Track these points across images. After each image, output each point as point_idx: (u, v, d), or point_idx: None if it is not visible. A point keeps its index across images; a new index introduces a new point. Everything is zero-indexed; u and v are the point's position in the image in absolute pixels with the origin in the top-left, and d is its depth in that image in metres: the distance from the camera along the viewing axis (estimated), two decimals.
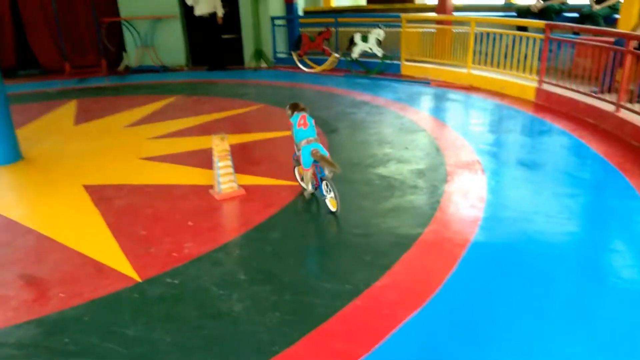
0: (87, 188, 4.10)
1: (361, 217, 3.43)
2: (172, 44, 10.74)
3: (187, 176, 4.31)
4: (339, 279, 2.69)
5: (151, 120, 6.42)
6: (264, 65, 10.65)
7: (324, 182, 3.52)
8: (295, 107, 3.71)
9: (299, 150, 3.56)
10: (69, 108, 7.32)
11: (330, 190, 3.46)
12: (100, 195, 3.94)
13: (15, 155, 4.86)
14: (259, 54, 10.59)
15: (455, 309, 2.43)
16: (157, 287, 2.68)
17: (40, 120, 6.61)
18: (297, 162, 3.75)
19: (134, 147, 5.28)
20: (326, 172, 3.49)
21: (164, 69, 10.55)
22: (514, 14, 8.73)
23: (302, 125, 3.56)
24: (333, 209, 3.45)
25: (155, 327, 2.34)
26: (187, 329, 2.32)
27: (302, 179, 3.85)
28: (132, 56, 10.75)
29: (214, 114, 6.64)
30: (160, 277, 2.77)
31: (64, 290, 2.69)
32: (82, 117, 6.77)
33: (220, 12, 9.86)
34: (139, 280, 2.75)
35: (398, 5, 11.22)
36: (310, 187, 3.68)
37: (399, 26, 8.95)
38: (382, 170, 4.29)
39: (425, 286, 2.61)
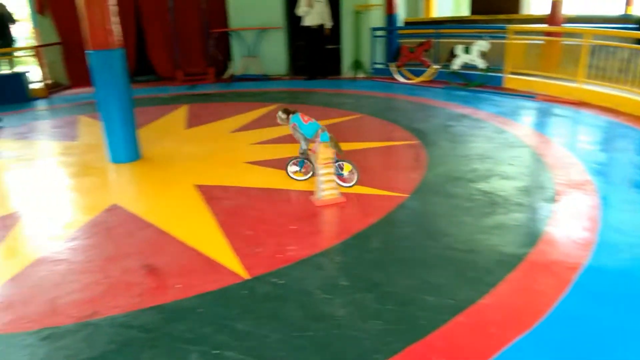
0: (198, 188, 4.40)
1: (464, 233, 3.37)
2: (274, 54, 11.20)
3: (289, 181, 4.48)
4: (442, 293, 2.66)
5: (254, 126, 6.74)
6: (361, 75, 10.77)
7: (338, 163, 4.15)
8: (288, 111, 4.37)
9: (316, 137, 4.05)
10: (181, 113, 7.88)
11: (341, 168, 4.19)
12: (210, 195, 4.21)
13: (136, 154, 5.33)
14: (357, 65, 10.73)
15: (566, 334, 2.32)
16: (264, 286, 2.81)
17: (155, 123, 7.19)
18: (303, 154, 4.38)
19: (239, 151, 5.58)
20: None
21: (266, 78, 11.02)
22: (634, 25, 8.10)
23: (307, 120, 4.17)
24: (349, 184, 4.18)
25: (263, 324, 2.47)
26: (293, 329, 2.42)
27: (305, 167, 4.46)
28: (238, 65, 11.35)
29: None
30: (266, 277, 2.91)
31: (181, 282, 2.91)
32: (193, 121, 7.27)
33: (328, 24, 10.18)
34: (247, 277, 2.91)
35: (502, 16, 10.84)
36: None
37: (503, 37, 8.65)
38: (484, 186, 4.18)
39: (533, 308, 2.51)
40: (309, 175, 4.41)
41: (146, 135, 6.23)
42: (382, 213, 3.73)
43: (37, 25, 11.31)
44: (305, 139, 4.22)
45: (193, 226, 3.67)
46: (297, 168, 4.46)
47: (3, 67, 10.49)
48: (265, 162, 5.08)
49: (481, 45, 8.49)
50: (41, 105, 9.37)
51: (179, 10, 11.20)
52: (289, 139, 5.91)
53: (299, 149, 4.39)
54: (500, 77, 8.80)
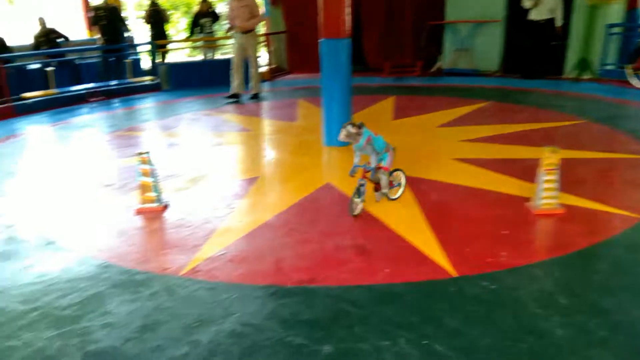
0: (406, 179, 4.47)
1: None
2: (488, 48, 10.70)
3: (500, 183, 4.26)
4: None
5: (462, 122, 6.56)
6: (586, 76, 9.65)
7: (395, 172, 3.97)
8: (356, 125, 3.66)
9: (387, 152, 3.74)
10: (388, 103, 8.08)
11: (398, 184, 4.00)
12: (418, 188, 4.25)
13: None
14: (583, 64, 9.63)
15: None
16: (473, 287, 2.74)
17: (364, 112, 7.50)
18: (374, 171, 3.77)
19: (446, 147, 5.50)
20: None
21: (476, 73, 10.62)
22: None
23: (375, 134, 3.73)
24: (393, 197, 3.97)
25: (473, 325, 2.41)
26: (506, 337, 2.31)
27: (377, 187, 3.88)
28: (448, 58, 11.15)
29: (527, 124, 6.36)
30: (475, 278, 2.83)
31: (389, 267, 3.01)
32: (399, 113, 7.39)
33: (560, 20, 9.31)
34: (455, 275, 2.87)
35: None
36: (387, 187, 3.89)
37: None
38: None
39: None
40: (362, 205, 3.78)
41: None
42: (611, 232, 3.32)
43: (269, 15, 12.65)
44: (377, 155, 3.69)
45: (401, 215, 3.75)
46: (358, 199, 3.74)
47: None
48: (475, 160, 4.91)
49: None
50: (265, 87, 10.52)
51: (397, 1, 11.45)
52: (500, 139, 5.64)
53: (352, 172, 3.74)
54: None
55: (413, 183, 4.34)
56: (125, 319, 2.63)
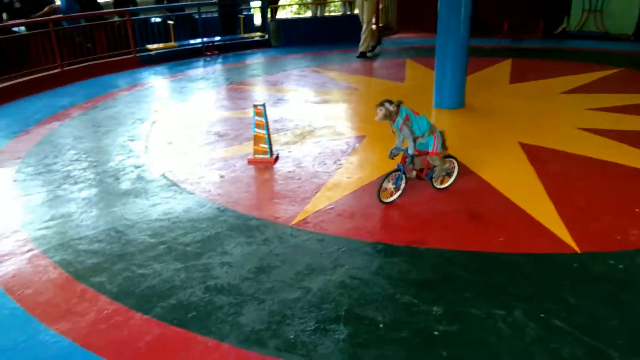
0: (523, 146, 4.21)
1: None
2: (622, 10, 9.57)
3: (631, 157, 3.87)
4: None
5: (589, 90, 6.00)
6: None
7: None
8: (395, 104, 3.16)
9: (430, 134, 3.23)
10: (504, 66, 7.58)
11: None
12: (536, 156, 3.98)
13: (460, 102, 5.41)
14: None
15: None
16: (599, 265, 2.55)
17: (478, 74, 7.10)
18: (412, 158, 3.28)
19: (570, 115, 5.08)
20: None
21: (606, 36, 9.58)
22: None
23: (416, 114, 3.24)
24: (440, 186, 3.49)
25: (598, 304, 2.25)
26: (637, 321, 2.14)
27: (420, 174, 3.42)
28: (575, 20, 10.15)
29: None
30: (601, 256, 2.63)
31: (503, 235, 2.88)
32: (517, 76, 6.91)
33: None
34: (578, 251, 2.68)
35: None
36: (445, 165, 3.41)
37: None
38: None
39: None
40: (399, 193, 3.37)
41: (469, 85, 6.21)
42: None
43: None
44: (415, 139, 3.21)
45: (517, 183, 3.55)
46: (390, 186, 3.33)
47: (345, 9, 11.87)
48: (603, 131, 4.48)
49: None
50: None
51: None
52: (635, 110, 5.08)
53: (391, 155, 3.33)
54: None
55: (531, 151, 4.08)
56: (241, 260, 2.78)
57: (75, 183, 3.92)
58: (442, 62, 5.32)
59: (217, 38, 9.94)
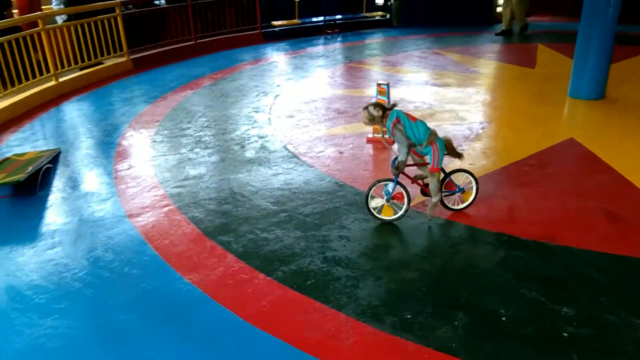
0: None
1: None
2: None
3: None
4: None
5: None
6: None
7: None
8: (382, 107, 2.73)
9: (429, 144, 2.71)
10: None
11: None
12: None
13: (600, 93, 4.93)
14: None
15: None
16: None
17: (621, 63, 6.41)
18: (398, 169, 2.79)
19: None
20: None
21: None
22: None
23: (413, 119, 2.74)
24: (455, 207, 2.95)
25: None
26: None
27: (426, 191, 2.93)
28: None
29: None
30: None
31: None
32: None
33: None
34: None
35: None
36: (439, 195, 2.85)
37: None
38: None
39: None
40: (404, 210, 2.86)
41: (612, 75, 5.66)
42: None
43: None
44: (409, 146, 2.71)
45: None
46: (380, 201, 2.88)
47: None
48: None
49: None
50: (500, 28, 9.71)
51: None
52: None
53: (394, 164, 2.83)
54: None
55: None
56: (359, 236, 2.81)
57: (206, 148, 4.20)
58: (585, 48, 4.86)
59: (339, 16, 9.99)
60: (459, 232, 2.80)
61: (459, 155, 2.97)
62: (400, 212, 2.87)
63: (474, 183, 2.97)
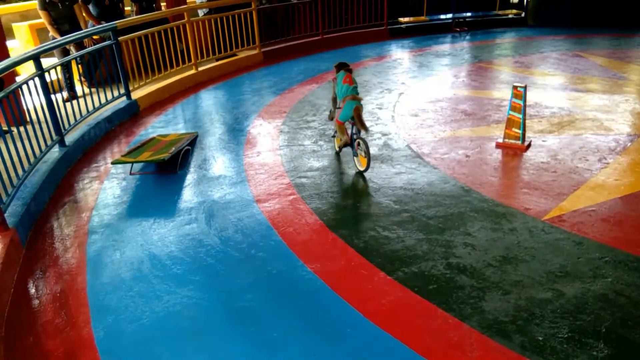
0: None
1: None
2: None
3: None
4: None
5: None
6: None
7: (356, 141, 3.57)
8: (341, 66, 3.74)
9: (342, 103, 3.54)
10: None
11: (361, 150, 3.54)
12: None
13: None
14: None
15: None
16: None
17: None
18: (331, 117, 3.88)
19: None
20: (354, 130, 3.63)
21: None
22: None
23: (348, 82, 3.55)
24: (361, 168, 3.58)
25: None
26: None
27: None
28: None
29: None
30: None
31: None
32: None
33: None
34: None
35: None
36: (343, 139, 3.73)
37: None
38: None
39: None
40: (343, 141, 3.75)
41: None
42: None
43: None
44: (333, 99, 3.80)
45: None
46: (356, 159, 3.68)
47: None
48: None
49: None
50: None
51: None
52: None
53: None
54: None
55: None
56: (485, 245, 2.68)
57: (329, 141, 4.27)
58: None
59: (469, 14, 9.60)
60: (602, 253, 2.54)
61: (361, 125, 3.47)
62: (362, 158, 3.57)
63: (362, 151, 3.51)
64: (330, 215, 3.07)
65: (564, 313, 2.15)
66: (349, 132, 3.71)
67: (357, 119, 3.45)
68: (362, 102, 3.52)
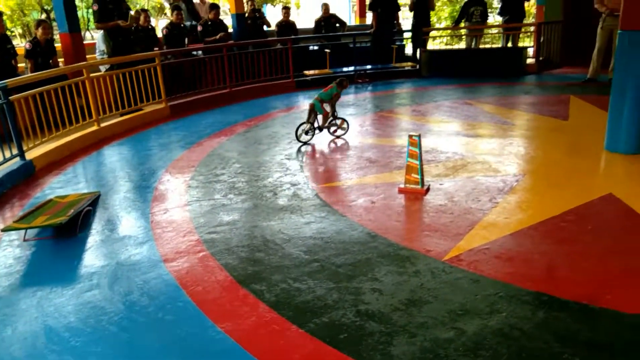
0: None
1: None
2: None
3: None
4: None
5: None
6: None
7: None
8: (339, 82, 5.76)
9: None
10: None
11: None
12: None
13: (637, 147, 4.84)
14: None
15: None
16: None
17: None
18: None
19: None
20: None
21: None
22: None
23: (325, 89, 5.74)
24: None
25: None
26: None
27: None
28: None
29: None
30: None
31: None
32: None
33: None
34: None
35: None
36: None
37: None
38: None
39: None
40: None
41: None
42: None
43: (542, 3, 11.60)
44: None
45: None
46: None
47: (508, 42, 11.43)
48: None
49: None
50: (530, 80, 9.76)
51: None
52: None
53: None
54: None
55: None
56: (392, 289, 2.77)
57: (239, 194, 4.27)
58: (619, 102, 4.84)
59: (369, 66, 10.22)
60: (496, 289, 2.73)
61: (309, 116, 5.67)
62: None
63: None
64: (240, 270, 3.04)
65: (466, 351, 2.26)
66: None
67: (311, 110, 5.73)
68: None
